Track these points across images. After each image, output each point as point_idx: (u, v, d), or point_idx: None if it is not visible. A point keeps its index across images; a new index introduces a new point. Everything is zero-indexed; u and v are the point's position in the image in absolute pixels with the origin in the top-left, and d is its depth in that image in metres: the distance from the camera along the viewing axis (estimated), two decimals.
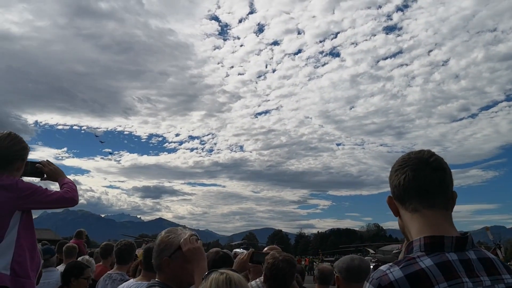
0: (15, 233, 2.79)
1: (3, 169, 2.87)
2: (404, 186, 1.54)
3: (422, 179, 1.52)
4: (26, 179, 3.11)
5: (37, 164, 3.18)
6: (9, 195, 2.78)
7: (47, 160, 3.30)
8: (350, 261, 3.24)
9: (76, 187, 3.19)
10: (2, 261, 2.72)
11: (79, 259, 5.57)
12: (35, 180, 3.25)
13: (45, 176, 3.23)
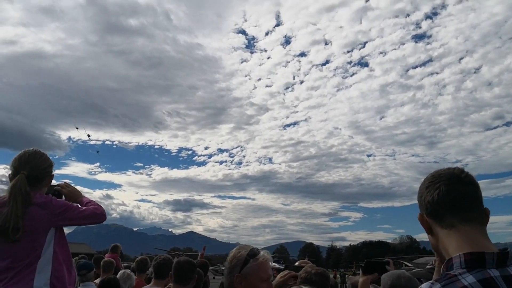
0: (51, 249, 2.87)
1: (34, 187, 2.93)
2: (438, 202, 1.53)
3: (457, 193, 1.51)
4: None
5: (55, 187, 3.24)
6: (44, 213, 2.85)
7: (65, 182, 3.36)
8: (396, 279, 3.13)
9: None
10: (42, 277, 2.79)
11: (120, 273, 5.65)
12: None
13: (63, 198, 3.26)
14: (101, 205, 3.20)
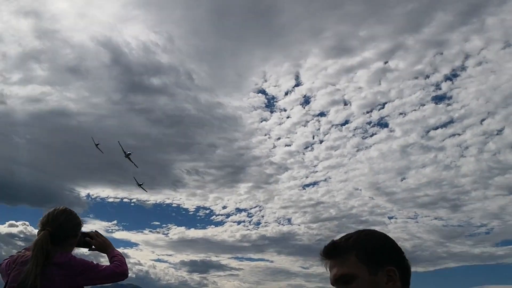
0: None
1: (57, 246, 2.87)
2: (409, 274, 1.50)
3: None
4: (76, 252, 3.10)
5: (86, 238, 3.19)
6: (62, 273, 2.79)
7: (95, 231, 3.31)
8: None
9: (125, 259, 3.16)
10: None
11: None
12: (85, 252, 3.25)
13: (93, 247, 3.23)
14: (125, 262, 3.12)
